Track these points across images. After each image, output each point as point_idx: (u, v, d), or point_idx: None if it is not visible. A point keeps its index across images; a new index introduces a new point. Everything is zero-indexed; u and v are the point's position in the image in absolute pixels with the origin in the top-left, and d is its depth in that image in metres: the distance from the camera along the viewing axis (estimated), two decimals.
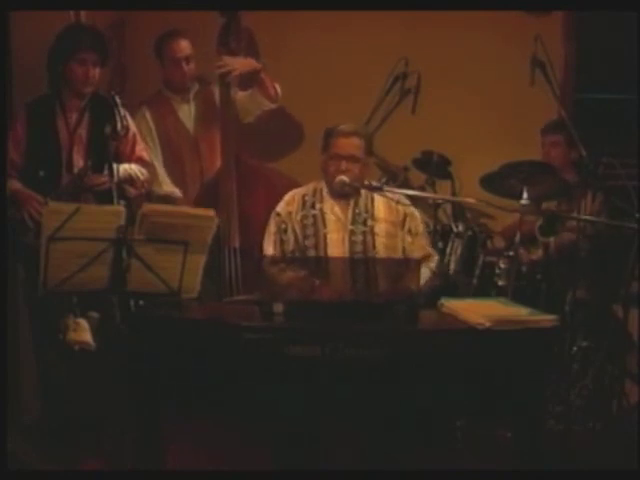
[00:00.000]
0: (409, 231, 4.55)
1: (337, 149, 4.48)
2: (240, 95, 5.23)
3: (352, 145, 4.47)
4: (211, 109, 5.25)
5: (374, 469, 3.96)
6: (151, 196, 4.99)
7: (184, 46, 5.15)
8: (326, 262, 4.35)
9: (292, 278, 3.98)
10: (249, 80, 5.21)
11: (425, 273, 4.42)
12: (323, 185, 4.59)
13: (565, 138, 5.12)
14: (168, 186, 5.11)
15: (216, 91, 5.23)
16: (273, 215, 4.58)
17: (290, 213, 4.56)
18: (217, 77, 5.17)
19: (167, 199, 5.07)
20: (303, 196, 4.59)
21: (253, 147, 5.36)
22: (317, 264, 4.31)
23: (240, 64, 5.15)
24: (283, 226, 4.54)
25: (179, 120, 5.23)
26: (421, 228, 4.64)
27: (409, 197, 4.70)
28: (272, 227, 4.57)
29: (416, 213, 4.64)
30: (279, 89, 5.25)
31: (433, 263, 4.61)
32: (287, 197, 4.61)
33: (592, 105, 5.88)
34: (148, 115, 5.14)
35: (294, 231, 4.53)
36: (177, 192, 5.13)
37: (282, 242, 4.53)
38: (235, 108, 5.19)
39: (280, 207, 4.59)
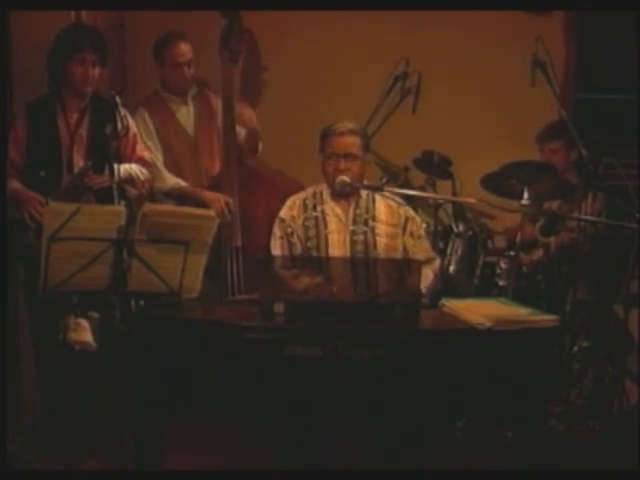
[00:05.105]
0: (411, 234, 4.54)
1: (333, 148, 4.47)
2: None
3: (348, 143, 4.46)
4: (210, 112, 5.24)
5: (374, 469, 3.96)
6: (155, 194, 4.99)
7: (185, 50, 5.12)
8: (330, 262, 4.34)
9: (308, 284, 3.97)
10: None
11: (427, 276, 4.42)
12: (323, 187, 4.58)
13: (564, 142, 5.12)
14: (171, 179, 5.10)
15: (215, 97, 5.21)
16: (277, 221, 4.58)
17: (293, 217, 4.55)
18: (222, 84, 5.15)
19: (173, 192, 5.07)
20: (304, 200, 4.59)
21: None
22: (321, 265, 4.30)
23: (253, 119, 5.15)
24: (289, 230, 4.54)
25: (178, 122, 5.20)
26: (422, 232, 4.64)
27: (410, 197, 4.70)
28: (278, 232, 4.56)
29: (417, 217, 4.64)
30: (261, 146, 5.23)
31: (435, 266, 4.61)
32: (288, 202, 4.61)
33: (592, 105, 5.88)
34: (147, 116, 5.11)
35: (298, 235, 4.53)
36: (181, 182, 5.12)
37: (290, 245, 4.53)
38: (235, 113, 5.18)
39: (283, 212, 4.59)
